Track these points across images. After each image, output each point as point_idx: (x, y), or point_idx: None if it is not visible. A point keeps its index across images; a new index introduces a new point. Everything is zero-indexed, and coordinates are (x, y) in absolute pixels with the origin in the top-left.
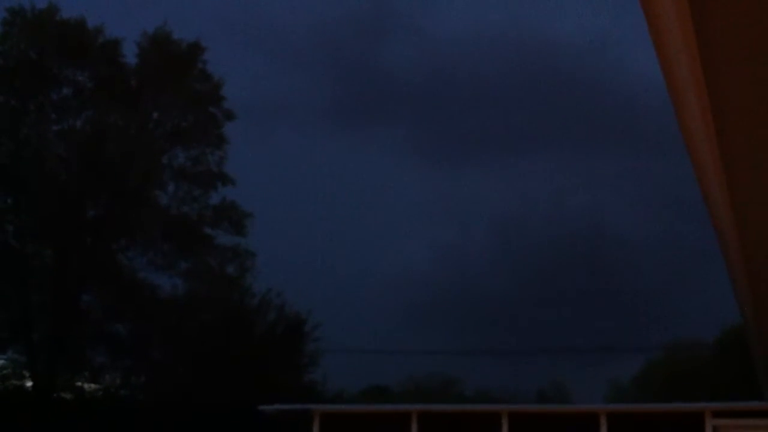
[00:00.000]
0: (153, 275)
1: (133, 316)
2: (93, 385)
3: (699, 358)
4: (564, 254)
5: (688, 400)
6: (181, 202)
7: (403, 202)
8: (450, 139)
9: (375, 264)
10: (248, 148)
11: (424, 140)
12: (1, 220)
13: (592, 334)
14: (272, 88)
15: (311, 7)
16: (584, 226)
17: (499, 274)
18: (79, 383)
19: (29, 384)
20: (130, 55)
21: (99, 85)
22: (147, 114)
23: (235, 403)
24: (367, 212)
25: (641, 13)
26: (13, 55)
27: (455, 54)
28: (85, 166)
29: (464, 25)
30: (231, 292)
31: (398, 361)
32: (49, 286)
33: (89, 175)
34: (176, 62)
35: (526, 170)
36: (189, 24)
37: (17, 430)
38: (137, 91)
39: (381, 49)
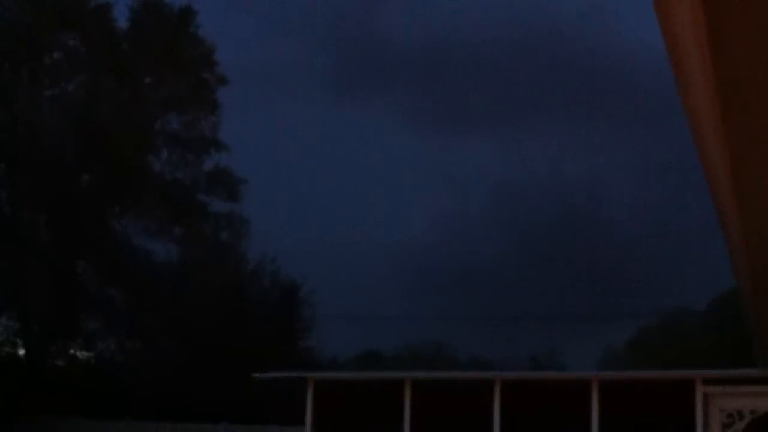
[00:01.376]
0: (147, 242)
1: (127, 282)
2: (86, 353)
3: (691, 324)
4: (561, 222)
5: (681, 366)
6: (174, 168)
7: (400, 169)
8: (448, 107)
9: (371, 231)
10: (243, 114)
11: (422, 108)
12: None
13: (587, 301)
14: (268, 53)
15: None
16: (582, 194)
17: (495, 241)
18: (72, 351)
19: (22, 352)
20: (122, 19)
21: (91, 50)
22: (139, 79)
23: (229, 369)
24: (363, 179)
25: None
26: (3, 19)
27: (453, 21)
28: (78, 132)
29: None
30: (225, 259)
31: (393, 326)
32: (43, 254)
33: (82, 141)
34: (168, 27)
35: (525, 138)
36: None
37: (10, 397)
38: (129, 56)
39: (379, 16)
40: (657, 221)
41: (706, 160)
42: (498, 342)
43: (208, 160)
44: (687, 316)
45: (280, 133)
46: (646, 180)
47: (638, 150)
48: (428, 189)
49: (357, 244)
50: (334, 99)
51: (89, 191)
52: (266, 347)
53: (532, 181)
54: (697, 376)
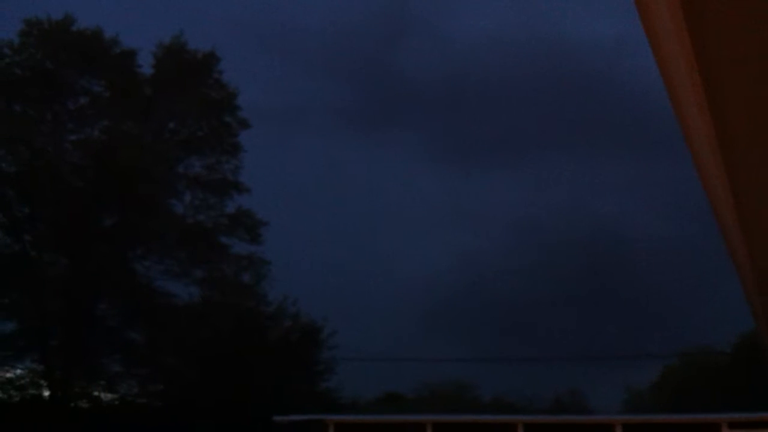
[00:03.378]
0: (169, 283)
1: (148, 324)
2: (109, 394)
3: (715, 364)
4: (582, 259)
5: (705, 408)
6: (196, 210)
7: (421, 206)
8: (468, 142)
9: (392, 269)
10: (264, 155)
11: (442, 143)
12: (18, 230)
13: (609, 341)
14: (289, 92)
15: (328, 11)
16: (605, 231)
17: (516, 279)
18: (96, 392)
19: (46, 393)
20: (145, 65)
21: (115, 95)
22: (162, 123)
23: (250, 412)
24: (383, 217)
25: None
26: (29, 65)
27: (472, 56)
28: (101, 175)
29: (481, 26)
30: (246, 300)
31: (414, 367)
32: (65, 295)
33: (105, 184)
34: (191, 71)
35: (545, 174)
36: (205, 31)
37: None
38: (152, 101)
39: (398, 52)
40: (681, 259)
41: (710, 193)
42: (521, 382)
43: (230, 203)
44: (712, 356)
45: (300, 172)
46: (671, 217)
47: (663, 186)
48: (449, 226)
49: (377, 283)
50: (354, 136)
51: (112, 234)
52: (287, 389)
53: (554, 218)
54: (723, 420)
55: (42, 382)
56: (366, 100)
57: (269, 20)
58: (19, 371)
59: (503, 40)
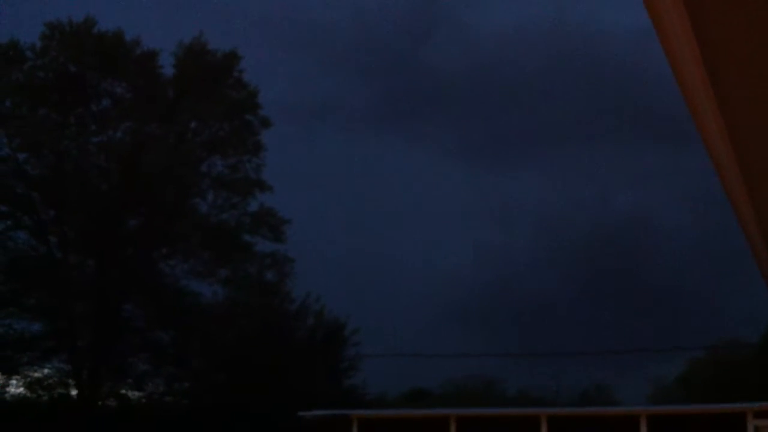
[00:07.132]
0: (193, 283)
1: (174, 323)
2: (137, 393)
3: (743, 357)
4: (607, 254)
5: (733, 400)
6: (219, 210)
7: (444, 202)
8: (493, 137)
9: (415, 265)
10: (288, 153)
11: (467, 138)
12: (44, 232)
13: (635, 335)
14: (312, 89)
15: (351, 5)
16: (630, 225)
17: (541, 274)
18: (123, 391)
19: (74, 393)
20: (167, 66)
21: (137, 97)
22: (185, 123)
23: (275, 409)
24: (407, 213)
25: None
26: (52, 68)
27: (499, 49)
28: (125, 176)
29: (508, 18)
30: (270, 299)
31: (439, 363)
32: (92, 296)
33: (129, 185)
34: (212, 72)
35: (571, 168)
36: (228, 27)
37: None
38: (174, 102)
39: (424, 46)
40: (708, 252)
41: (725, 183)
42: (547, 377)
43: (253, 201)
44: (739, 348)
45: (324, 168)
46: (697, 209)
47: (688, 178)
48: (473, 220)
49: (402, 279)
50: (379, 132)
51: (136, 234)
52: (311, 385)
53: (578, 213)
54: (748, 409)
55: (70, 381)
56: (390, 96)
57: (292, 16)
58: (47, 371)
59: (530, 31)
